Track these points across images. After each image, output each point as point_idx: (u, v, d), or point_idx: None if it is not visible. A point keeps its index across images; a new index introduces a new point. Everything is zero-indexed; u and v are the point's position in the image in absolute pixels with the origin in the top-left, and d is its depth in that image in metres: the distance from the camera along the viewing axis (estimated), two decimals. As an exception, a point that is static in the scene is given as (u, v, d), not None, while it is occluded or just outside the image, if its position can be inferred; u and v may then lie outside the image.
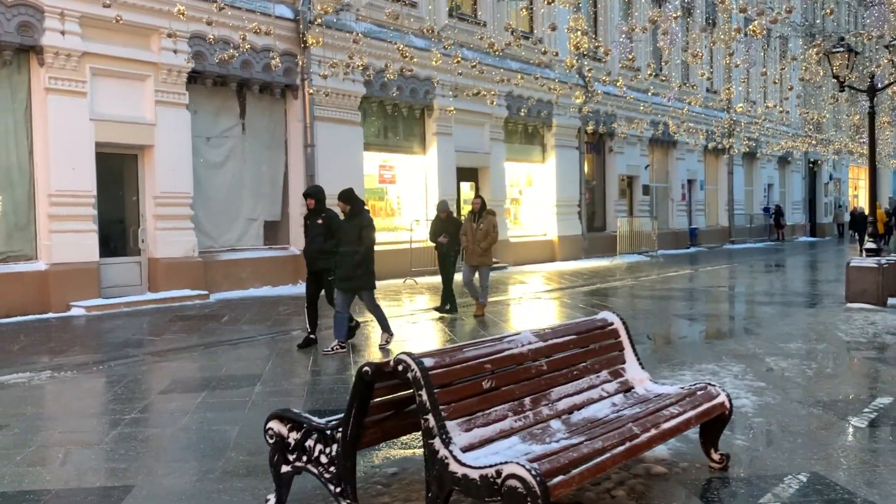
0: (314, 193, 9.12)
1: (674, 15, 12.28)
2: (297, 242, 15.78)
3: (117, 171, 13.18)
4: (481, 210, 11.47)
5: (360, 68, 16.15)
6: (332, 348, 8.54)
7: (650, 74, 19.20)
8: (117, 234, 13.24)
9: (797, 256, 26.31)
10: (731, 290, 15.63)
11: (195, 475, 4.52)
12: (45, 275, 11.79)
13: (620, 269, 20.60)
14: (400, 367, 3.47)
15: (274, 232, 15.85)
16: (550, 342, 4.22)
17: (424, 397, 3.40)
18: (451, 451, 3.33)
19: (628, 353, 4.71)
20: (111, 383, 7.17)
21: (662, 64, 26.19)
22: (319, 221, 9.03)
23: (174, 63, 13.27)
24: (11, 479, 4.46)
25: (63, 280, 11.89)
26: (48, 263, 11.86)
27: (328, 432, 3.71)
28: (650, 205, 27.59)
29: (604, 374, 4.50)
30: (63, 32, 11.75)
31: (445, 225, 11.81)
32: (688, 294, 14.71)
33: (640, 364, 4.71)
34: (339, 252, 8.62)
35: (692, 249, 29.04)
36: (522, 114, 20.02)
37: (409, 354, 3.49)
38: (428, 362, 3.49)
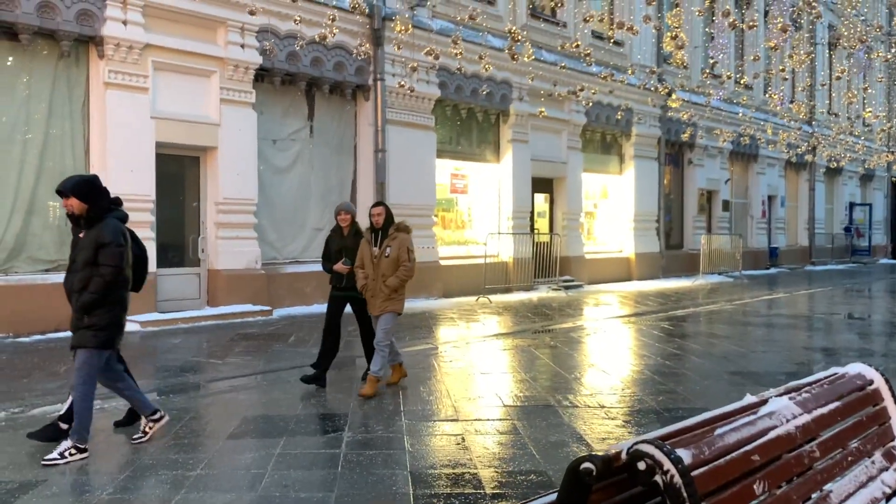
0: (73, 188, 5.13)
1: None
2: (363, 255, 14.65)
3: (178, 174, 12.19)
4: (386, 224, 7.03)
5: (436, 69, 15.09)
6: (144, 431, 5.37)
7: (746, 80, 17.63)
8: (176, 243, 12.23)
9: (890, 280, 24.27)
10: (850, 318, 13.92)
11: (289, 578, 3.27)
12: (99, 286, 10.78)
13: (705, 290, 18.98)
14: (642, 465, 2.15)
15: (339, 243, 14.69)
16: (815, 413, 2.86)
17: (687, 518, 2.07)
18: None
19: (898, 424, 3.32)
20: (172, 421, 5.99)
21: (744, 73, 24.56)
22: (82, 235, 5.23)
23: (241, 58, 12.26)
24: (43, 575, 3.27)
25: (117, 291, 10.87)
26: (102, 273, 10.85)
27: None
28: (729, 221, 25.86)
29: (877, 457, 3.12)
30: (125, 22, 10.81)
31: (346, 241, 7.34)
32: (803, 322, 13.09)
33: (916, 441, 3.31)
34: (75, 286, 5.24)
35: (773, 270, 27.16)
36: (605, 121, 18.65)
37: (657, 445, 2.17)
38: (685, 456, 2.16)
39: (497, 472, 4.74)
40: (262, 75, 12.85)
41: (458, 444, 5.35)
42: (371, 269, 6.96)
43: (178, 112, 11.68)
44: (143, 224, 11.21)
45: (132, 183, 11.08)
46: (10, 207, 10.22)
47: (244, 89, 12.46)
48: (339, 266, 7.24)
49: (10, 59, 10.19)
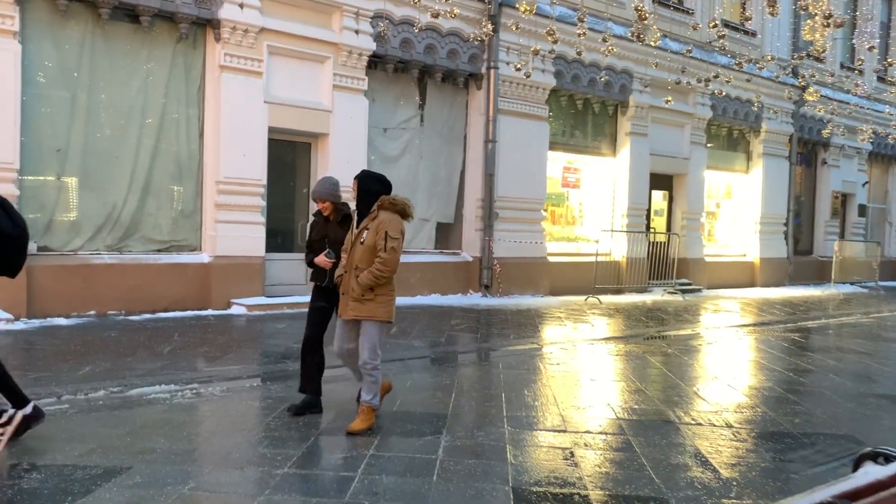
0: None
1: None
2: (469, 248, 14.31)
3: (289, 160, 12.17)
4: (366, 200, 5.31)
5: (553, 54, 14.52)
6: None
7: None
8: (285, 228, 12.22)
9: None
10: None
11: None
12: (208, 268, 10.88)
13: (837, 300, 17.51)
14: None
15: (446, 235, 14.40)
16: None
17: None
18: None
19: None
20: (265, 410, 5.79)
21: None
22: None
23: (355, 44, 12.07)
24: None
25: (226, 275, 10.95)
26: (212, 256, 10.95)
27: None
28: (866, 227, 23.91)
29: None
30: (241, 5, 10.81)
31: (329, 228, 5.73)
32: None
33: None
34: None
35: (911, 282, 24.92)
36: (732, 115, 17.49)
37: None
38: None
39: (610, 495, 4.20)
40: (374, 62, 12.65)
41: (566, 458, 4.83)
42: (345, 252, 5.35)
43: (291, 97, 11.62)
44: (253, 208, 11.26)
45: (244, 167, 11.11)
46: (127, 188, 10.40)
47: (357, 76, 12.28)
48: (321, 258, 5.60)
49: (131, 41, 10.36)
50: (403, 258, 14.70)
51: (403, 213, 5.32)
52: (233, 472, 4.33)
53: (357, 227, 5.32)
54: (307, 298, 11.89)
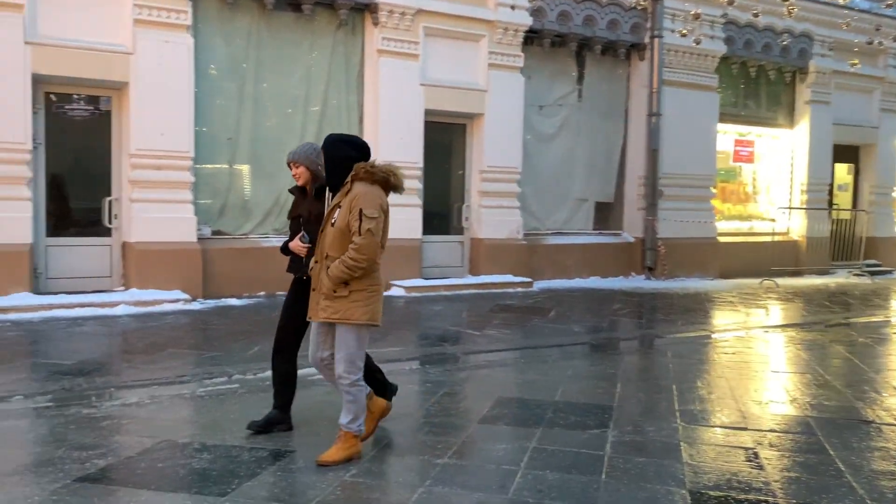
0: None
1: None
2: (631, 228, 13.70)
3: (444, 142, 12.12)
4: (335, 172, 4.19)
5: (725, 18, 13.52)
6: None
7: None
8: (441, 210, 12.20)
9: None
10: None
11: None
12: (368, 250, 11.05)
13: None
14: None
15: (605, 215, 13.86)
16: None
17: None
18: None
19: None
20: (424, 395, 5.72)
21: None
22: None
23: (511, 20, 11.79)
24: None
25: (385, 257, 10.92)
26: (372, 238, 11.11)
27: None
28: None
29: None
30: (397, -12, 10.86)
31: (307, 205, 4.65)
32: None
33: None
34: None
35: None
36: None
37: None
38: None
39: (804, 506, 3.73)
40: (530, 38, 12.31)
41: (749, 460, 4.37)
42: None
43: (447, 79, 11.53)
44: (410, 192, 11.28)
45: (402, 151, 11.13)
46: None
47: (513, 53, 12.01)
48: (295, 243, 4.57)
49: (294, 30, 10.64)
50: (559, 241, 14.29)
51: (386, 183, 4.19)
52: (393, 460, 4.25)
53: (318, 201, 4.38)
54: (463, 281, 11.98)
